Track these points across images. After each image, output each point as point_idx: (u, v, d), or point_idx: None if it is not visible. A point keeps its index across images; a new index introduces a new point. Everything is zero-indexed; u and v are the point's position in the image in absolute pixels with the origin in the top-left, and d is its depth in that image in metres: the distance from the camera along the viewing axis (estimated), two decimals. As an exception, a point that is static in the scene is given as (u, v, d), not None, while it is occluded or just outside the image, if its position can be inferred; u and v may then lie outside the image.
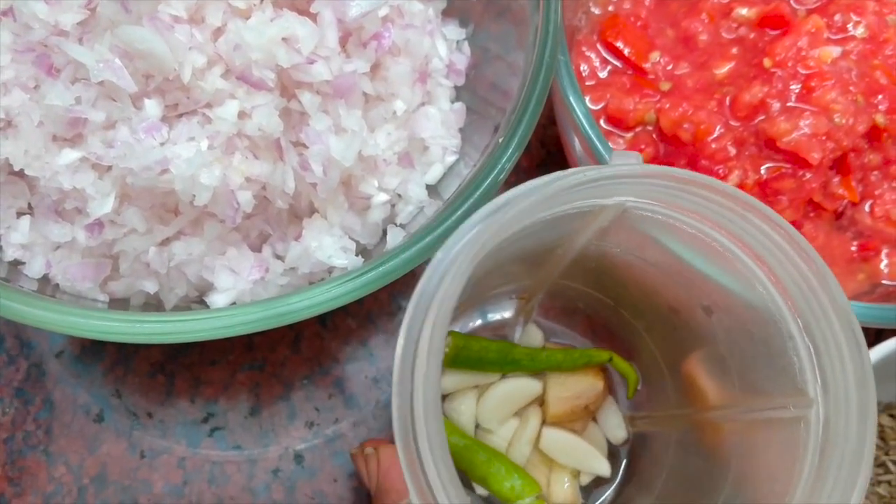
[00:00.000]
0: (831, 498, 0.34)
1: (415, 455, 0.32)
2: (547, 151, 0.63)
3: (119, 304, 0.46)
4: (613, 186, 0.37)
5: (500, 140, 0.44)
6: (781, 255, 0.37)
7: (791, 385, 0.38)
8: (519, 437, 0.49)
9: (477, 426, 0.49)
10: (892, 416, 0.58)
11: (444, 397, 0.50)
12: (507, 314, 0.53)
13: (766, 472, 0.38)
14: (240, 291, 0.45)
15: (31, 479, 0.53)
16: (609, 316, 0.52)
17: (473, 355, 0.49)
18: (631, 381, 0.50)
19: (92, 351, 0.56)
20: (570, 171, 0.36)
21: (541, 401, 0.50)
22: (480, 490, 0.47)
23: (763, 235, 0.37)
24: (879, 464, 0.56)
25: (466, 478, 0.47)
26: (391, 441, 0.43)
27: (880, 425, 0.57)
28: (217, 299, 0.44)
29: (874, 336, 0.59)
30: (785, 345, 0.38)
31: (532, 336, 0.52)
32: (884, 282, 0.54)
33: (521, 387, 0.50)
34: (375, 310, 0.58)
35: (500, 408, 0.49)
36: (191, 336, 0.39)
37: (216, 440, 0.54)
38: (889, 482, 0.56)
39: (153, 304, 0.47)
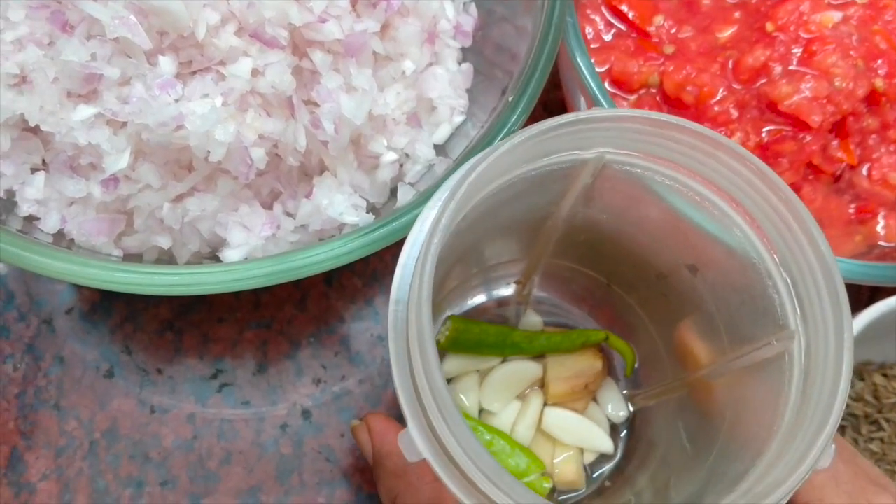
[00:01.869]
0: (813, 420, 0.35)
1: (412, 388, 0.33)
2: (550, 114, 0.63)
3: (133, 258, 0.47)
4: (591, 133, 0.38)
5: (510, 100, 0.44)
6: (752, 191, 0.38)
7: (773, 323, 0.39)
8: (522, 419, 0.50)
9: (481, 410, 0.50)
10: (885, 375, 0.59)
11: (448, 382, 0.51)
12: (506, 300, 0.54)
13: (755, 411, 0.39)
14: (252, 247, 0.45)
15: (43, 433, 0.54)
16: (603, 295, 0.52)
17: (473, 338, 0.50)
18: (628, 359, 0.51)
19: (101, 308, 0.56)
20: (548, 119, 0.37)
21: (541, 382, 0.51)
22: None
23: (734, 173, 0.38)
24: (872, 421, 0.58)
25: None
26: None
27: (874, 384, 0.59)
28: (230, 254, 0.45)
29: (868, 295, 0.61)
30: (765, 285, 0.39)
31: (531, 321, 0.53)
32: (880, 243, 0.55)
33: (522, 369, 0.51)
34: (380, 269, 0.59)
35: (502, 390, 0.50)
36: (205, 289, 0.40)
37: (224, 396, 0.55)
38: (881, 439, 0.57)
39: (166, 259, 0.48)
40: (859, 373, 0.60)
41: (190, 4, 0.41)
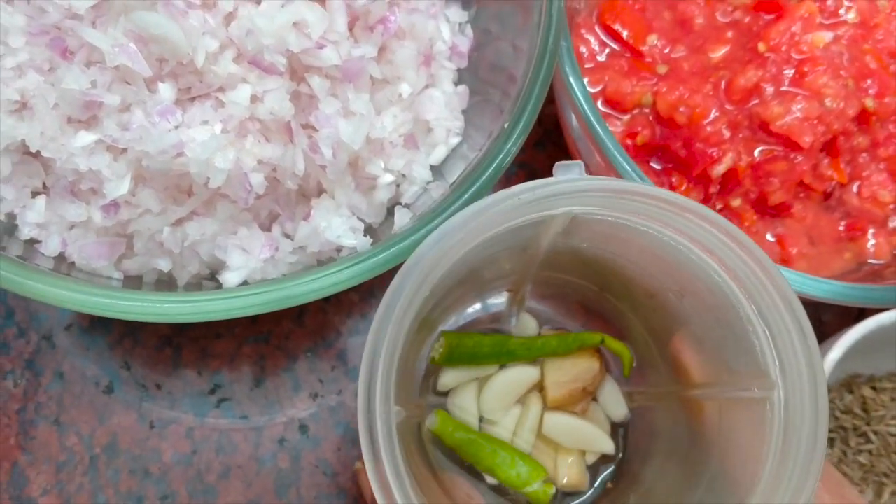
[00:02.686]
0: (792, 478, 0.36)
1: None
2: (544, 129, 0.64)
3: (132, 281, 0.47)
4: (556, 199, 0.39)
5: (506, 126, 0.45)
6: (726, 249, 0.39)
7: (756, 367, 0.40)
8: (522, 425, 0.50)
9: (481, 419, 0.51)
10: (873, 388, 0.60)
11: (446, 393, 0.51)
12: (500, 307, 0.54)
13: (742, 451, 0.40)
14: (251, 270, 0.46)
15: (43, 448, 0.54)
16: (597, 300, 0.53)
17: (468, 351, 0.50)
18: (625, 359, 0.51)
19: (100, 324, 0.57)
20: (515, 188, 0.38)
21: (540, 387, 0.51)
22: (491, 480, 0.49)
23: (705, 232, 0.39)
24: (861, 434, 0.59)
25: (476, 469, 0.49)
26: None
27: (863, 397, 0.60)
28: (229, 277, 0.46)
29: (858, 311, 0.62)
30: (746, 329, 0.40)
31: (526, 325, 0.53)
32: (870, 260, 0.56)
33: (520, 375, 0.51)
34: (377, 284, 0.59)
35: (501, 398, 0.51)
36: (206, 316, 0.41)
37: (223, 411, 0.56)
38: (870, 451, 0.58)
39: (165, 281, 0.48)
40: (848, 385, 0.60)
41: (189, 32, 0.42)
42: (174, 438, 0.55)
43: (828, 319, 0.63)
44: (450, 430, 0.48)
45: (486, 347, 0.51)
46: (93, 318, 0.57)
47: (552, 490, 0.48)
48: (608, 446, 0.50)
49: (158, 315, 0.40)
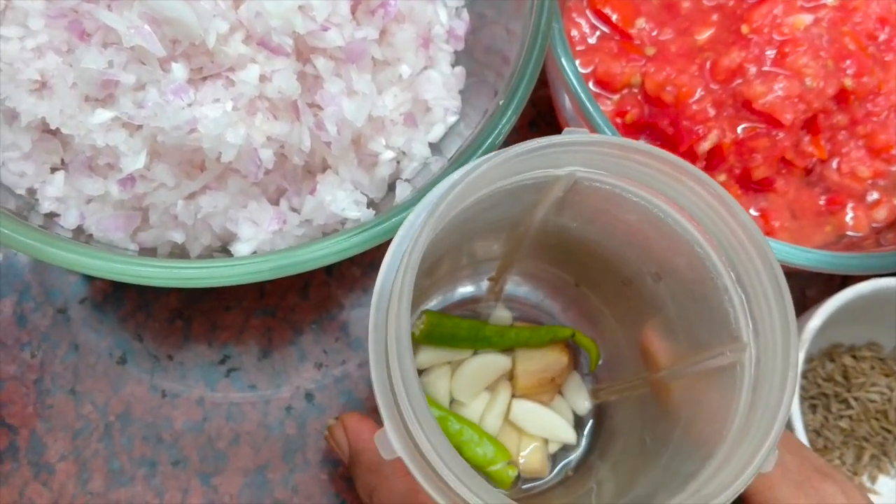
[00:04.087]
0: (759, 427, 0.38)
1: (389, 389, 0.36)
2: (538, 111, 0.67)
3: (147, 252, 0.50)
4: (564, 155, 0.41)
5: (500, 103, 0.47)
6: (713, 213, 0.41)
7: (728, 334, 0.42)
8: (490, 409, 0.53)
9: (452, 400, 0.53)
10: (854, 357, 0.63)
11: (420, 373, 0.53)
12: (479, 295, 0.57)
13: (708, 415, 0.42)
14: (260, 241, 0.49)
15: (60, 416, 0.57)
16: (572, 295, 0.55)
17: (447, 332, 0.52)
18: (592, 355, 0.54)
19: (113, 298, 0.59)
20: (525, 142, 0.40)
21: (510, 375, 0.54)
22: None
23: (696, 196, 0.41)
24: (842, 400, 0.61)
25: None
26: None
27: (843, 365, 0.63)
28: (240, 248, 0.48)
29: (840, 280, 0.64)
30: (721, 298, 0.42)
31: (501, 316, 0.56)
32: (848, 233, 0.58)
33: (492, 362, 0.53)
34: (378, 259, 0.61)
35: (472, 382, 0.53)
36: (219, 281, 0.43)
37: (232, 381, 0.58)
38: (850, 416, 0.61)
39: (178, 253, 0.50)
40: (829, 355, 0.63)
41: (201, 14, 0.44)
42: (185, 407, 0.58)
43: (811, 294, 0.66)
44: None
45: (464, 331, 0.53)
46: (106, 293, 0.59)
47: (514, 472, 0.50)
48: (570, 436, 0.53)
49: (174, 280, 0.42)
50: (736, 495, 0.37)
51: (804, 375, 0.63)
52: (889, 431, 0.61)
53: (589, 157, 0.42)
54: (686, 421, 0.46)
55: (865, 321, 0.60)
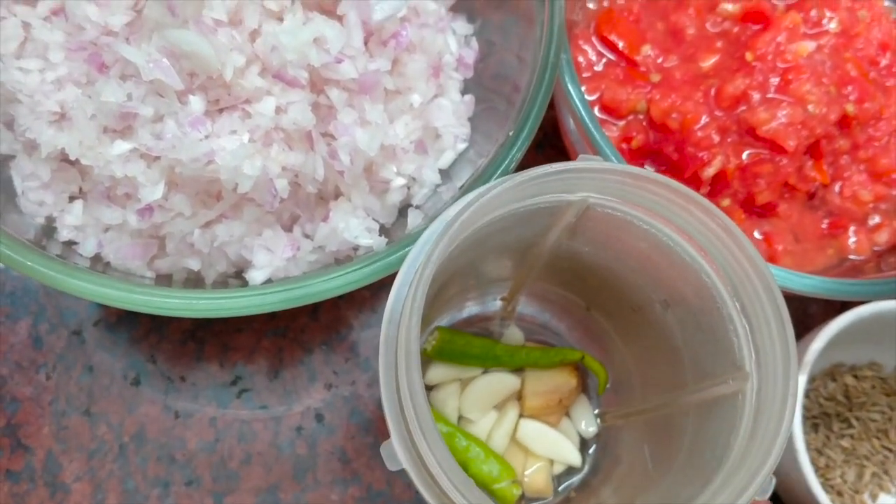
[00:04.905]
0: (757, 455, 0.39)
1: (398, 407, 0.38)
2: (544, 133, 0.67)
3: (163, 279, 0.51)
4: (577, 181, 0.42)
5: (511, 134, 0.49)
6: (720, 244, 0.42)
7: (731, 363, 0.43)
8: (498, 428, 0.54)
9: (460, 417, 0.54)
10: (855, 376, 0.64)
11: (430, 389, 0.55)
12: (492, 314, 0.58)
13: (710, 442, 0.43)
14: (275, 268, 0.50)
15: (75, 437, 0.58)
16: (583, 318, 0.56)
17: (458, 349, 0.54)
18: (601, 379, 0.55)
19: (127, 320, 0.60)
20: (539, 167, 0.41)
21: (519, 395, 0.55)
22: None
23: (704, 226, 0.43)
24: (843, 419, 0.62)
25: None
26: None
27: (845, 385, 0.64)
28: (255, 275, 0.49)
29: (840, 305, 0.65)
30: (726, 328, 0.43)
31: (513, 335, 0.57)
32: (850, 256, 0.60)
33: (501, 381, 0.55)
34: (388, 280, 0.62)
35: (481, 400, 0.54)
36: (237, 312, 0.44)
37: (244, 401, 0.59)
38: (851, 436, 0.62)
39: (194, 279, 0.51)
40: (831, 374, 0.64)
41: (218, 48, 0.45)
42: (198, 427, 0.59)
43: (814, 311, 0.67)
44: None
45: (475, 349, 0.54)
46: (119, 315, 0.60)
47: (519, 491, 0.51)
48: (575, 459, 0.54)
49: (192, 311, 0.44)
50: None
51: (806, 395, 0.63)
52: (890, 450, 0.62)
53: (601, 185, 0.43)
54: (688, 447, 0.47)
55: (866, 341, 0.61)
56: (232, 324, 0.61)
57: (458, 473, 0.36)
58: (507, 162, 0.48)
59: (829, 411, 0.63)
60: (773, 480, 0.40)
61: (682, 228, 0.44)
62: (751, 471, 0.39)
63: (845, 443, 0.62)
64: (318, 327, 0.62)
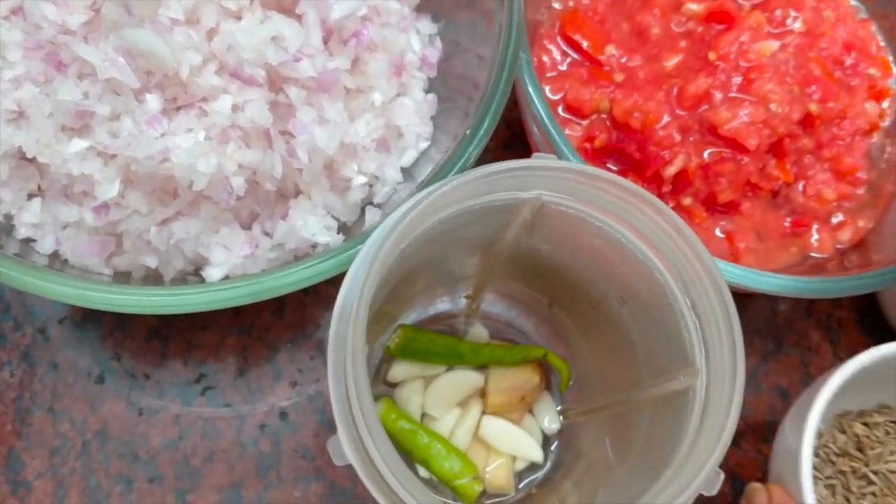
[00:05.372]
0: (704, 450, 0.39)
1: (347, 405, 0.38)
2: (512, 133, 0.68)
3: (121, 277, 0.51)
4: (530, 179, 0.43)
5: (468, 132, 0.49)
6: (670, 242, 0.43)
7: (683, 359, 0.44)
8: (461, 425, 0.54)
9: (424, 415, 0.55)
10: (865, 424, 0.59)
11: (394, 386, 0.55)
12: (456, 312, 0.58)
13: (663, 437, 0.44)
14: (232, 265, 0.50)
15: (38, 434, 0.58)
16: (547, 316, 0.57)
17: (422, 347, 0.54)
18: (564, 375, 0.55)
19: (92, 318, 0.60)
20: (490, 164, 0.41)
21: (482, 392, 0.55)
22: (423, 472, 0.53)
23: (655, 224, 0.43)
24: (861, 476, 0.57)
25: (410, 459, 0.52)
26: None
27: (856, 435, 0.58)
28: (212, 273, 0.49)
29: (807, 304, 0.66)
30: (678, 324, 0.44)
31: (478, 334, 0.57)
32: (813, 254, 0.60)
33: (465, 378, 0.55)
34: (353, 279, 0.63)
35: (444, 397, 0.55)
36: (190, 308, 0.44)
37: (208, 399, 0.60)
38: (874, 493, 0.56)
39: (152, 276, 0.52)
40: (839, 425, 0.59)
41: (174, 47, 0.45)
42: (162, 425, 0.59)
43: (783, 309, 0.67)
44: (392, 417, 0.52)
45: (439, 346, 0.55)
46: (85, 313, 0.60)
47: (480, 487, 0.52)
48: (537, 455, 0.54)
49: (147, 307, 0.44)
50: None
51: (816, 454, 0.57)
52: None
53: (555, 182, 0.44)
54: (643, 443, 0.47)
55: (871, 384, 0.56)
56: (197, 322, 0.61)
57: (402, 468, 0.37)
58: (463, 159, 0.48)
59: (843, 469, 0.57)
60: (721, 476, 0.40)
61: (634, 226, 0.44)
62: (696, 466, 0.39)
63: (867, 502, 0.56)
64: (283, 325, 0.62)
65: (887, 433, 0.58)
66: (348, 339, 0.39)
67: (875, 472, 0.56)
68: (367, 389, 0.37)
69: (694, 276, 0.43)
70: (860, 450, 0.57)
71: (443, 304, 0.58)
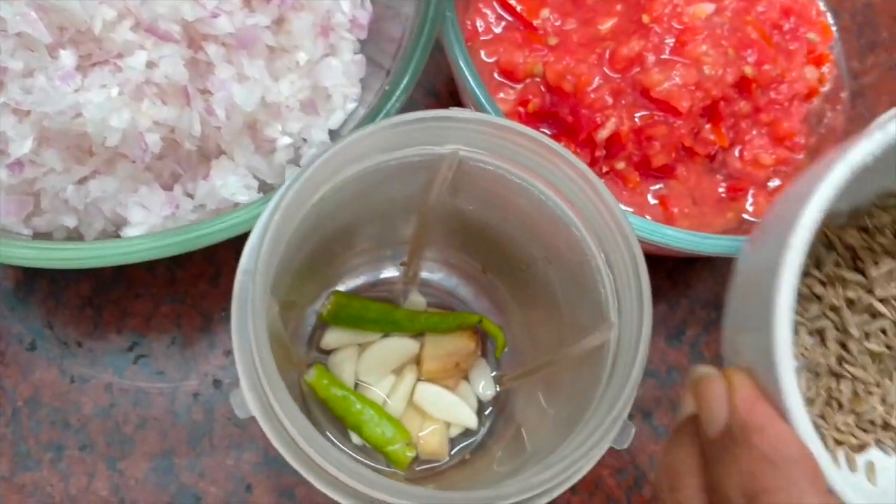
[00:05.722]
0: (614, 398, 0.39)
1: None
2: (456, 102, 0.67)
3: (42, 237, 0.50)
4: (442, 131, 0.43)
5: (387, 87, 0.48)
6: (583, 195, 0.43)
7: (600, 315, 0.43)
8: (395, 392, 0.54)
9: (358, 383, 0.54)
10: (864, 230, 0.43)
11: (328, 353, 0.55)
12: (395, 281, 0.58)
13: (583, 394, 0.43)
14: (151, 225, 0.49)
15: (-33, 402, 0.57)
16: (482, 281, 0.57)
17: (355, 313, 0.54)
18: (499, 342, 0.55)
19: (25, 285, 0.60)
20: (400, 115, 0.41)
21: (418, 360, 0.55)
22: (356, 439, 0.52)
23: (569, 179, 0.43)
24: (863, 307, 0.41)
25: (343, 426, 0.52)
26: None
27: (849, 248, 0.42)
28: (130, 232, 0.49)
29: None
30: (595, 280, 0.44)
31: (416, 301, 0.57)
32: (748, 218, 0.59)
33: (400, 346, 0.55)
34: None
35: (379, 364, 0.54)
36: (100, 261, 0.44)
37: (141, 367, 0.59)
38: (882, 330, 0.41)
39: (75, 238, 0.51)
40: (824, 237, 0.42)
41: (86, 2, 0.45)
42: (94, 393, 0.58)
43: (725, 280, 0.66)
44: (324, 383, 0.51)
45: (372, 313, 0.54)
46: (18, 280, 0.60)
47: (412, 453, 0.51)
48: (472, 421, 0.54)
49: (59, 260, 0.44)
50: (582, 471, 0.38)
51: (800, 294, 0.40)
52: None
53: (471, 137, 0.43)
54: (565, 402, 0.47)
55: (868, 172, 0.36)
56: (130, 290, 0.60)
57: (301, 419, 0.36)
58: (381, 116, 0.48)
59: (834, 301, 0.41)
60: (633, 429, 0.39)
61: (551, 182, 0.44)
62: (604, 419, 0.39)
63: (874, 345, 0.40)
64: (218, 294, 0.61)
65: None
66: (249, 291, 0.38)
67: (883, 301, 0.40)
68: (266, 341, 0.38)
69: (606, 228, 0.43)
70: (858, 270, 0.41)
71: (382, 272, 0.58)
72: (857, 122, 0.62)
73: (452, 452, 0.54)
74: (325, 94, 0.55)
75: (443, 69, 0.64)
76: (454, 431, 0.54)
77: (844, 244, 0.42)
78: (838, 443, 0.40)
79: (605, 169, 0.58)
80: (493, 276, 0.56)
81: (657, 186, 0.59)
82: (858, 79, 0.63)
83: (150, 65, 0.47)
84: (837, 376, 0.40)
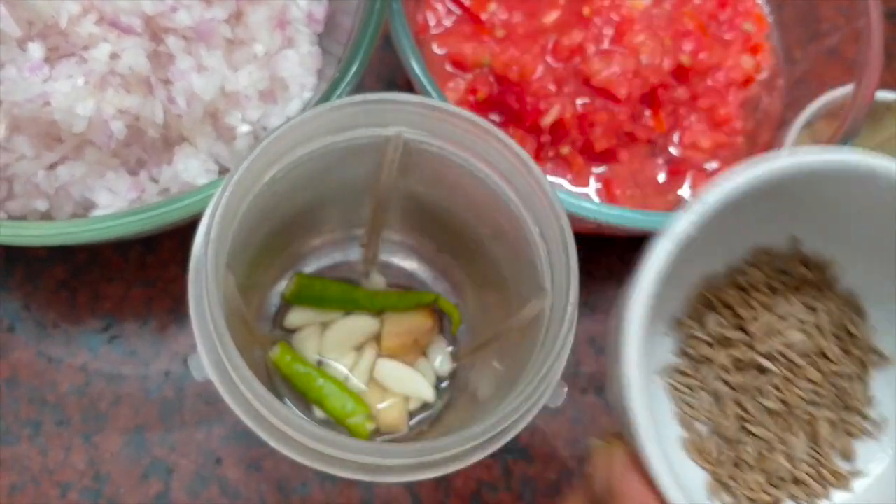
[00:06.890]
0: (546, 360, 0.41)
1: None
2: (412, 90, 0.71)
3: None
4: (384, 114, 0.45)
5: (336, 75, 0.52)
6: (517, 172, 0.45)
7: (538, 286, 0.46)
8: (356, 368, 0.56)
9: (321, 360, 0.57)
10: (740, 288, 0.42)
11: (293, 332, 0.58)
12: (355, 262, 0.61)
13: (524, 363, 0.46)
14: (118, 209, 0.52)
15: (-52, 381, 0.61)
16: (439, 261, 0.59)
17: (316, 293, 0.57)
18: (454, 319, 0.58)
19: (3, 271, 0.63)
20: (345, 98, 0.44)
21: (378, 336, 0.58)
22: (319, 413, 0.55)
23: (502, 157, 0.45)
24: (751, 365, 0.41)
25: (307, 401, 0.55)
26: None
27: (728, 306, 0.42)
28: (97, 215, 0.52)
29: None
30: (533, 253, 0.46)
31: (375, 282, 0.60)
32: (688, 199, 0.63)
33: (361, 324, 0.57)
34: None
35: (340, 341, 0.57)
36: (65, 238, 0.47)
37: (114, 347, 0.62)
38: (776, 386, 0.41)
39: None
40: (703, 298, 0.43)
41: (52, -2, 0.48)
42: (70, 371, 0.61)
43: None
44: (287, 360, 0.54)
45: (334, 293, 0.57)
46: (-4, 266, 0.63)
47: (372, 425, 0.54)
48: (429, 395, 0.56)
49: (32, 237, 0.47)
50: (516, 425, 0.42)
51: (682, 350, 0.43)
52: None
53: (412, 118, 0.46)
54: (508, 370, 0.50)
55: (736, 223, 0.38)
56: (104, 274, 0.64)
57: (255, 383, 0.39)
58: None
59: (723, 362, 0.41)
60: (565, 389, 0.43)
61: (488, 161, 0.47)
62: (534, 378, 0.42)
63: (773, 403, 0.40)
64: (188, 278, 0.64)
65: (773, 290, 0.41)
66: (203, 259, 0.41)
67: (768, 357, 0.40)
68: (220, 305, 0.40)
69: (538, 203, 0.45)
70: (741, 328, 0.41)
71: (343, 253, 0.61)
72: (794, 108, 0.65)
73: (411, 424, 0.57)
74: (283, 84, 0.58)
75: (402, 64, 0.67)
76: (413, 405, 0.57)
77: (724, 303, 0.42)
78: (752, 501, 0.40)
79: (550, 153, 0.61)
80: (448, 255, 0.59)
81: (601, 170, 0.62)
82: (794, 66, 0.67)
83: (114, 56, 0.50)
84: (741, 437, 0.40)
